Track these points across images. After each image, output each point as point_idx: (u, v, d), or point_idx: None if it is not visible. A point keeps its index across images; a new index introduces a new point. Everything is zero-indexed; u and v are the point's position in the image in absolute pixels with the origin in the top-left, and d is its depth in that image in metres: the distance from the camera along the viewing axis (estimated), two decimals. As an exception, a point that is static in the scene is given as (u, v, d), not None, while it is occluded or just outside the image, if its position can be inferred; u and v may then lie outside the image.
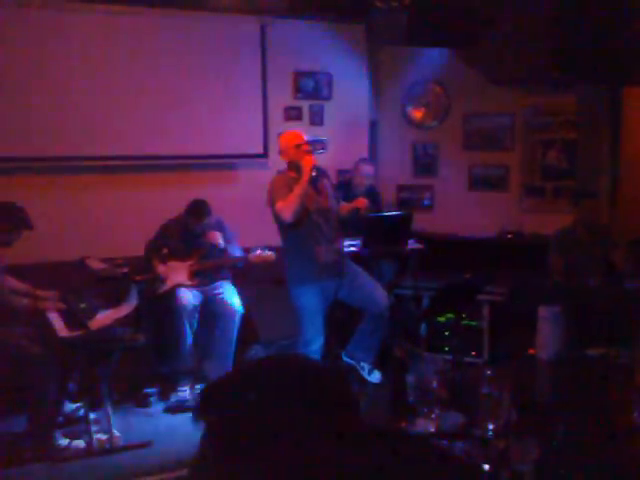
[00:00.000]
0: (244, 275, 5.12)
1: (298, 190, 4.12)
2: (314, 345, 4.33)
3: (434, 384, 2.99)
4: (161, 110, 5.58)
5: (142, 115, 5.52)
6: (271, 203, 4.24)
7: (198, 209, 4.92)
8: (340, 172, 6.17)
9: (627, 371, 3.07)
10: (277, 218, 4.26)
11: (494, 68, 5.70)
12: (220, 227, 5.13)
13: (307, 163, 4.15)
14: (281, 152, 4.38)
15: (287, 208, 4.10)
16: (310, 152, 4.26)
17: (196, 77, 5.70)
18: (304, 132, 4.58)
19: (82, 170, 5.40)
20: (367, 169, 5.76)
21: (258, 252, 4.85)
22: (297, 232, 4.23)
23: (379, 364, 4.71)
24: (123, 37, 5.41)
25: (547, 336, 3.29)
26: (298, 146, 4.27)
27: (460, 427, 2.67)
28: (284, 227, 4.29)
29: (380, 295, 4.50)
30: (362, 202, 4.56)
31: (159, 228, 5.06)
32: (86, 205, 5.39)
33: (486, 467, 2.48)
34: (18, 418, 4.00)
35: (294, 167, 4.29)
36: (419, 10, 5.14)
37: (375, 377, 4.60)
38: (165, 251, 4.98)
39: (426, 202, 6.57)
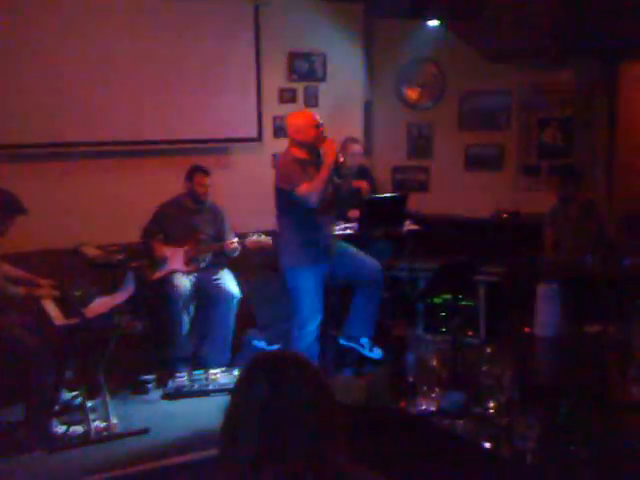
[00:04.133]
0: (241, 260, 5.09)
1: (324, 174, 4.07)
2: (310, 326, 4.30)
3: (434, 363, 2.99)
4: (154, 94, 5.52)
5: (135, 99, 5.45)
6: (287, 186, 4.12)
7: (201, 166, 5.01)
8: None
9: (625, 347, 3.07)
10: (286, 200, 4.16)
11: (491, 45, 5.65)
12: (218, 213, 5.10)
13: (331, 146, 4.10)
14: (297, 131, 4.21)
15: (314, 192, 4.04)
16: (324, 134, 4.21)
17: (189, 58, 5.62)
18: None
19: (76, 156, 5.35)
20: (356, 148, 5.72)
21: (254, 237, 4.81)
22: (301, 215, 4.18)
23: (378, 343, 4.67)
24: (115, 19, 5.33)
25: (545, 314, 3.29)
26: (317, 126, 4.20)
27: (461, 406, 2.67)
28: (289, 209, 4.21)
29: (370, 261, 4.50)
30: (363, 184, 4.54)
31: (155, 210, 5.03)
32: (81, 191, 5.34)
33: (487, 445, 2.48)
34: (15, 407, 3.98)
35: (307, 147, 4.21)
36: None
37: (377, 353, 4.53)
38: (161, 236, 4.95)
39: (421, 183, 6.54)
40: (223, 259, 5.05)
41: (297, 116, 4.33)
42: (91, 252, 4.79)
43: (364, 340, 4.49)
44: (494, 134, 6.31)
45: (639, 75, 5.85)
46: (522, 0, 5.28)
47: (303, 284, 4.29)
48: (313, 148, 4.22)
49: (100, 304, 4.12)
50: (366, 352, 4.48)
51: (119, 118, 5.39)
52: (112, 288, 4.41)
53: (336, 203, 4.44)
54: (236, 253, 4.96)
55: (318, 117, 4.25)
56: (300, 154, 4.23)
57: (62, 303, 4.09)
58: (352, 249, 4.53)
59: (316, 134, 4.17)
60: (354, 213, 5.23)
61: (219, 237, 5.04)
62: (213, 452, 1.41)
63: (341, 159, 4.17)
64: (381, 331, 4.67)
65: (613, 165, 5.86)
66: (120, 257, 4.77)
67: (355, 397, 3.13)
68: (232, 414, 1.38)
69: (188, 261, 4.92)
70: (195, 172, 5.01)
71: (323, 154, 4.16)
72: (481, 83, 6.24)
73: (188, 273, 4.89)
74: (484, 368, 2.73)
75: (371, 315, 4.55)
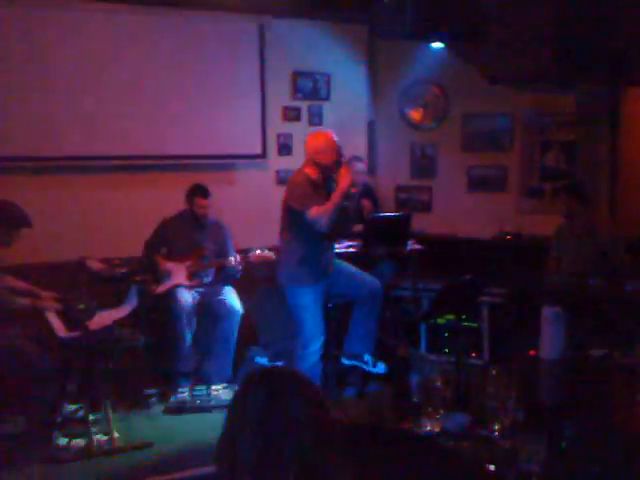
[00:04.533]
0: (244, 275, 5.10)
1: (337, 199, 4.03)
2: (314, 345, 4.29)
3: (438, 384, 2.99)
4: (160, 110, 5.56)
5: (141, 115, 5.50)
6: (298, 206, 4.10)
7: (200, 188, 5.00)
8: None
9: (630, 371, 3.08)
10: (294, 218, 4.15)
11: (494, 67, 5.70)
12: (221, 230, 5.11)
13: (348, 175, 4.07)
14: (318, 152, 4.16)
15: (325, 217, 4.01)
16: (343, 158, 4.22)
17: (194, 77, 5.68)
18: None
19: (81, 170, 5.39)
20: (360, 166, 5.75)
21: (257, 252, 4.82)
22: (307, 234, 4.17)
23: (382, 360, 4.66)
24: (121, 36, 5.39)
25: (550, 337, 3.29)
26: (338, 150, 4.17)
27: (466, 427, 2.67)
28: (296, 227, 4.19)
29: (368, 277, 4.50)
30: (367, 203, 4.55)
31: (158, 225, 5.04)
32: (85, 205, 5.37)
33: (492, 467, 2.48)
34: (17, 419, 3.97)
35: (323, 169, 4.18)
36: (424, 4, 5.15)
37: (380, 368, 4.49)
38: (165, 250, 4.97)
39: (425, 203, 6.58)
40: (226, 276, 5.04)
41: (319, 136, 4.26)
42: (95, 265, 4.80)
43: (367, 357, 4.48)
44: (497, 156, 6.35)
45: (641, 99, 5.91)
46: (525, 24, 5.33)
47: (304, 302, 4.28)
48: (327, 170, 4.20)
49: (103, 317, 4.14)
50: (370, 368, 4.47)
51: (124, 133, 5.43)
52: (115, 301, 4.43)
53: (342, 225, 4.45)
54: (238, 274, 4.97)
55: (338, 139, 4.25)
56: (314, 175, 4.19)
57: (65, 315, 4.10)
58: (350, 266, 4.53)
59: (337, 158, 4.15)
60: (357, 227, 5.21)
61: (221, 253, 5.05)
62: (213, 468, 1.43)
63: (354, 190, 4.15)
64: (385, 351, 4.67)
65: (616, 188, 5.89)
66: (124, 271, 4.79)
67: (358, 417, 3.13)
68: (229, 429, 1.39)
69: (190, 276, 4.93)
70: (194, 195, 4.99)
71: (338, 178, 4.13)
72: (483, 105, 6.29)
73: (191, 288, 4.90)
74: (489, 390, 2.73)
75: (371, 331, 4.55)
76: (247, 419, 1.37)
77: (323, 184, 4.22)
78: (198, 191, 5.00)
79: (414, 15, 5.12)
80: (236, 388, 4.41)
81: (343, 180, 4.06)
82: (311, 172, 4.20)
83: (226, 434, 1.40)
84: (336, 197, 4.05)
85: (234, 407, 1.42)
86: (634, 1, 5.10)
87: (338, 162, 4.14)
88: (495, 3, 5.24)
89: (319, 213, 4.03)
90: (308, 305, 4.28)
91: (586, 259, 4.74)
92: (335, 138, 4.21)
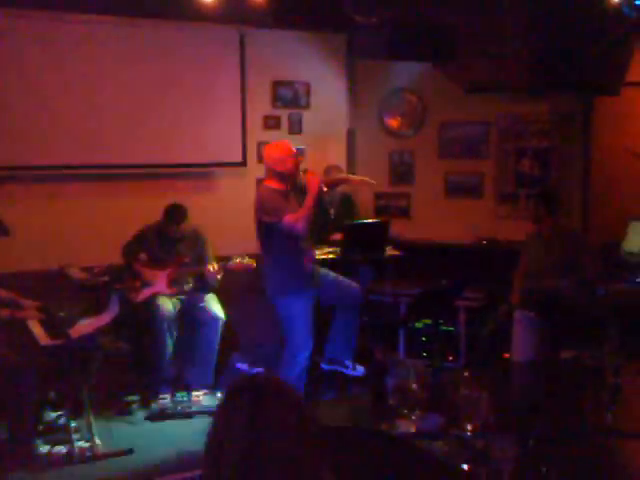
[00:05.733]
0: (224, 282, 5.14)
1: (310, 203, 4.13)
2: (302, 354, 4.33)
3: (414, 386, 3.07)
4: (140, 119, 5.61)
5: (121, 124, 5.54)
6: (272, 218, 4.15)
7: (175, 213, 4.93)
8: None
9: (598, 372, 3.17)
10: (270, 233, 4.20)
11: (468, 78, 5.81)
12: (199, 238, 5.13)
13: (315, 180, 4.17)
14: (276, 162, 4.23)
15: (300, 222, 4.09)
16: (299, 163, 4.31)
17: (175, 86, 5.73)
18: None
19: (61, 179, 5.41)
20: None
21: (237, 260, 4.86)
22: (288, 243, 4.23)
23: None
24: (103, 46, 5.43)
25: (522, 339, 3.39)
26: (295, 156, 4.26)
27: (439, 428, 2.75)
28: (274, 241, 4.25)
29: (351, 285, 4.56)
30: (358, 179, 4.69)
31: (137, 232, 5.05)
32: (66, 213, 5.39)
33: (465, 466, 2.56)
34: (-2, 426, 3.99)
35: (284, 178, 4.25)
36: (399, 26, 5.27)
37: (359, 371, 4.60)
38: (143, 256, 4.99)
39: (403, 209, 6.67)
40: (205, 285, 5.07)
41: (274, 147, 4.33)
42: (76, 274, 4.83)
43: (347, 361, 4.56)
44: (472, 162, 6.46)
45: (612, 108, 6.05)
46: (497, 37, 5.43)
47: (294, 312, 4.30)
48: (290, 178, 4.27)
49: (85, 325, 4.17)
50: (350, 372, 4.55)
51: (105, 142, 5.47)
52: (97, 310, 4.46)
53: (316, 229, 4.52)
54: (215, 282, 4.98)
55: (293, 147, 4.32)
56: (277, 185, 4.26)
57: (47, 324, 4.12)
58: (332, 273, 4.60)
59: (295, 164, 4.24)
60: (336, 236, 5.34)
61: (200, 262, 5.07)
62: (196, 473, 1.47)
63: (324, 188, 4.26)
64: (363, 355, 4.74)
65: (588, 195, 6.02)
66: (104, 279, 4.82)
67: (337, 420, 3.20)
68: (214, 438, 1.42)
69: (170, 284, 4.96)
70: (168, 220, 4.92)
71: (305, 185, 4.21)
72: (460, 113, 6.40)
73: (171, 295, 4.94)
74: (462, 392, 2.81)
75: (353, 336, 4.63)
76: (233, 424, 1.40)
77: (289, 192, 4.30)
78: (172, 217, 4.92)
79: (390, 37, 5.25)
80: (218, 394, 4.46)
81: (311, 184, 4.16)
82: (273, 183, 4.27)
83: (211, 443, 1.43)
84: (308, 201, 4.15)
85: (218, 418, 1.45)
86: (605, 13, 5.22)
87: (297, 167, 4.24)
88: (470, 18, 5.35)
89: (295, 219, 4.11)
90: (298, 315, 4.31)
91: (554, 264, 4.83)
92: (289, 145, 4.30)
